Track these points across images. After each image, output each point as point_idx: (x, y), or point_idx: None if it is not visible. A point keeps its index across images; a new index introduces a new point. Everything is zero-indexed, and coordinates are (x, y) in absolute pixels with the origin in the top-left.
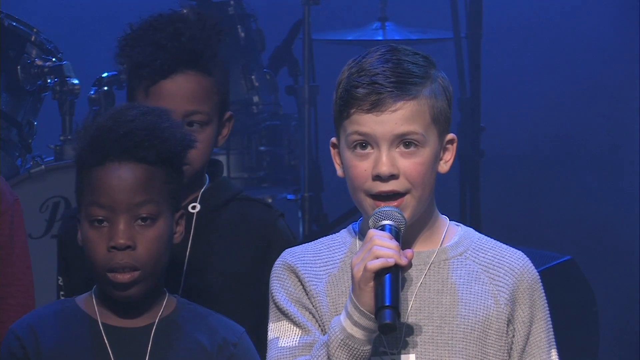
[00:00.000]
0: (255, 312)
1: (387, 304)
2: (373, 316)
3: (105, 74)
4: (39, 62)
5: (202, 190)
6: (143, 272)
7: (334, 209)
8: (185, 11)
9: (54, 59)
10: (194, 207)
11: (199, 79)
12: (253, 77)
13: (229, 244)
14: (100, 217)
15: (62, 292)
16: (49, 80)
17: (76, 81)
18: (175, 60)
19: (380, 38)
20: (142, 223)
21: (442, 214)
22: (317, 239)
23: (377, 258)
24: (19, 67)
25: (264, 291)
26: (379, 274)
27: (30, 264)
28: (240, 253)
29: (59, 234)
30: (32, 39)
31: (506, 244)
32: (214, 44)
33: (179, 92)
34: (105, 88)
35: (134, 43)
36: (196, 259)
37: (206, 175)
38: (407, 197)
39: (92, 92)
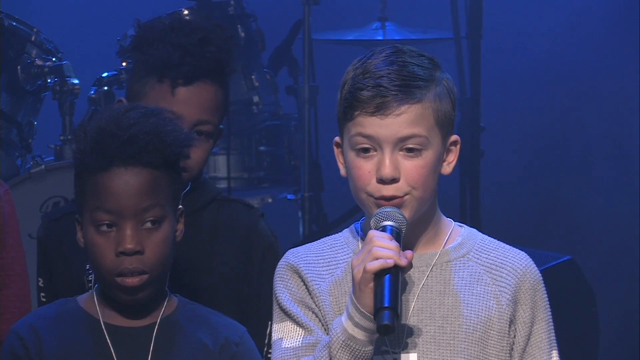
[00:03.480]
0: (239, 312)
1: (385, 305)
2: (373, 317)
3: (105, 74)
4: (39, 62)
5: (184, 192)
6: (151, 275)
7: (334, 209)
8: (187, 13)
9: (54, 59)
10: (182, 209)
11: (215, 90)
12: (253, 77)
13: (212, 245)
14: (107, 222)
15: (42, 294)
16: (49, 80)
17: (76, 81)
18: (202, 68)
19: (380, 38)
20: (149, 227)
21: (447, 217)
22: (318, 239)
23: (377, 259)
24: (19, 67)
25: (247, 292)
26: (379, 275)
27: (24, 254)
28: (224, 254)
29: (39, 235)
30: (32, 39)
31: (509, 245)
32: (234, 57)
33: (196, 100)
34: (105, 88)
35: (153, 42)
36: (181, 260)
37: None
38: (408, 197)
39: (92, 92)
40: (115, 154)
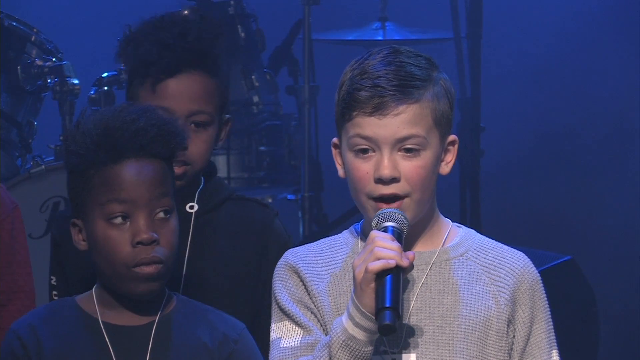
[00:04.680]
0: (252, 311)
1: (387, 305)
2: (374, 317)
3: (105, 74)
4: (39, 62)
5: (199, 190)
6: (165, 265)
7: (334, 209)
8: (186, 12)
9: (54, 59)
10: (191, 207)
11: (203, 79)
12: (253, 77)
13: (227, 244)
14: (119, 214)
15: (54, 292)
16: (49, 80)
17: (76, 81)
18: (182, 59)
19: (380, 38)
20: (161, 217)
21: (445, 217)
22: (318, 240)
23: (379, 259)
24: (19, 67)
25: (261, 290)
26: (380, 275)
27: (31, 270)
28: (239, 253)
29: (53, 234)
30: (32, 39)
31: (507, 245)
32: (218, 45)
33: (184, 91)
34: (105, 88)
35: (138, 43)
36: (195, 258)
37: (201, 176)
38: (407, 200)
39: (92, 92)
40: (126, 145)
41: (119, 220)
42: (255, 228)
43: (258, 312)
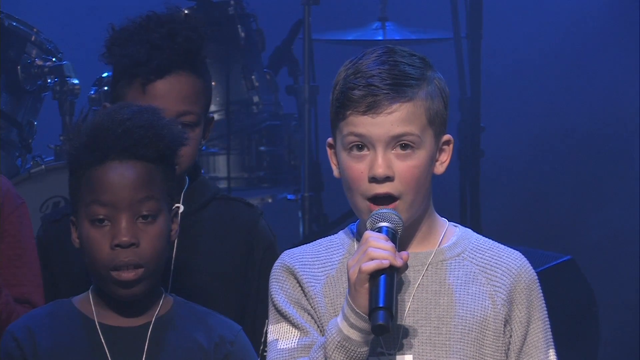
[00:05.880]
0: (237, 309)
1: (380, 305)
2: (368, 318)
3: (105, 74)
4: (39, 62)
5: (184, 191)
6: (146, 269)
7: (334, 209)
8: (171, 12)
9: (54, 59)
10: (177, 208)
11: (192, 80)
12: (253, 77)
13: (213, 244)
14: (101, 216)
15: None
16: (49, 80)
17: (76, 81)
18: (171, 60)
19: (380, 38)
20: (144, 220)
21: (442, 217)
22: (315, 240)
23: (372, 260)
24: (19, 67)
25: (247, 290)
26: (374, 275)
27: (39, 265)
28: (224, 253)
29: (39, 236)
30: (32, 39)
31: (504, 245)
32: (205, 46)
33: (172, 92)
34: (105, 88)
35: (124, 43)
36: (182, 259)
37: (186, 176)
38: (401, 202)
39: (92, 92)
40: (110, 147)
41: (100, 221)
42: (241, 228)
43: (244, 310)
